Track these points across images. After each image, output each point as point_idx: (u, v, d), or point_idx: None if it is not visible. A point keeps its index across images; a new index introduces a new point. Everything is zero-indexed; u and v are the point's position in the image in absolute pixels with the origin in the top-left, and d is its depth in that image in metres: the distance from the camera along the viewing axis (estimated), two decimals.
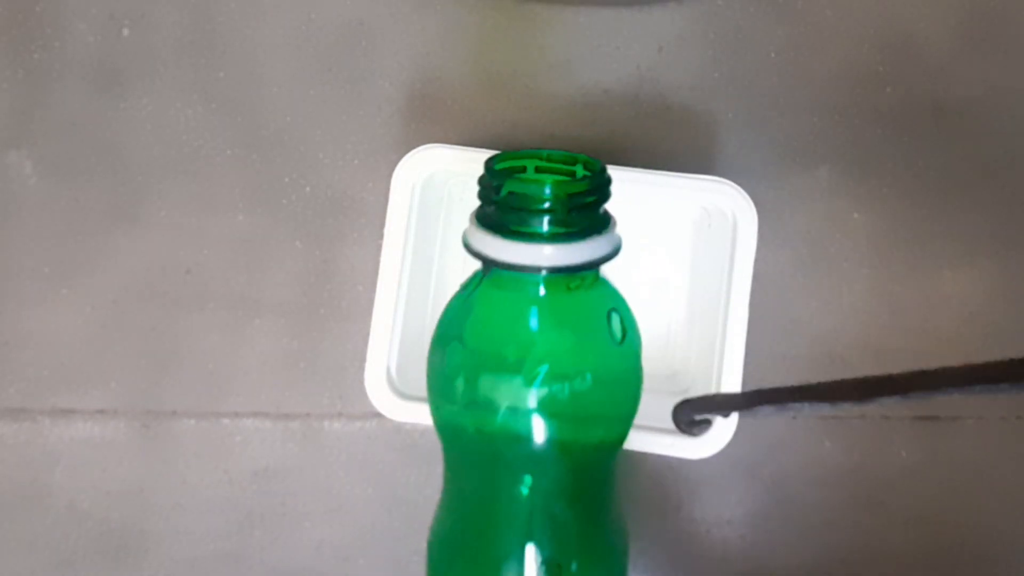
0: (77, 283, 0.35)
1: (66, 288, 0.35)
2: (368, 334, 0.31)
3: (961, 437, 0.36)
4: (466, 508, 0.26)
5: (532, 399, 0.22)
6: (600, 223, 0.23)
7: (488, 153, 0.31)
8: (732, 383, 0.31)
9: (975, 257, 0.36)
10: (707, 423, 0.22)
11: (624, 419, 0.25)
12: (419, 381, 0.32)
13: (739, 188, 0.32)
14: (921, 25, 0.36)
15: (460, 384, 0.24)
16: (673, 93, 0.36)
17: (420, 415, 0.31)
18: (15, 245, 0.35)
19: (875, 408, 0.35)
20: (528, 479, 0.24)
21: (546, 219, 0.22)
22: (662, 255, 0.34)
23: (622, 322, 0.23)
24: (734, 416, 0.31)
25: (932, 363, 0.37)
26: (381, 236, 0.31)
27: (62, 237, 0.35)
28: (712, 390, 0.31)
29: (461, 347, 0.24)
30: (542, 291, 0.22)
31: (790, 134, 0.36)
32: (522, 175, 0.24)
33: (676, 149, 0.36)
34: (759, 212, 0.32)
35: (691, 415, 0.21)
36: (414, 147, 0.31)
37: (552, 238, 0.22)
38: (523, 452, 0.23)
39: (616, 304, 0.24)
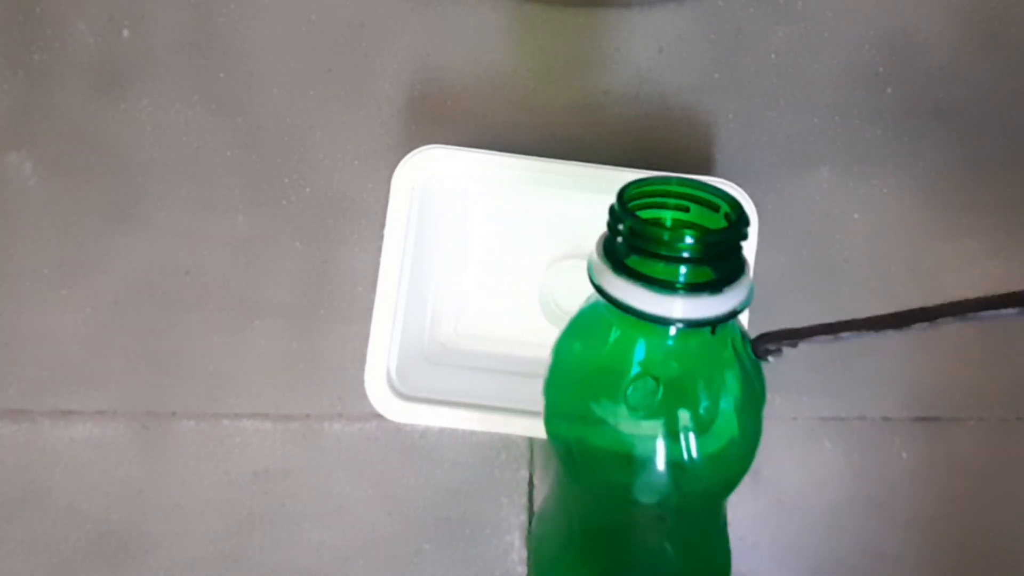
0: (77, 284, 0.35)
1: (66, 289, 0.35)
2: (368, 335, 0.31)
3: (961, 438, 0.35)
4: (572, 520, 0.26)
5: (637, 432, 0.22)
6: (737, 271, 0.21)
7: (488, 154, 0.31)
8: None
9: (976, 258, 0.36)
10: (779, 351, 0.22)
11: (723, 476, 0.24)
12: (418, 382, 0.32)
13: (739, 189, 0.32)
14: (921, 26, 0.36)
15: (573, 401, 0.23)
16: (673, 94, 0.36)
17: (419, 416, 0.31)
18: (15, 246, 0.35)
19: (875, 409, 0.35)
20: (634, 506, 0.23)
21: (682, 269, 0.20)
22: None
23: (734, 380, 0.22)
24: None
25: (932, 364, 0.37)
26: (381, 237, 0.31)
27: (62, 238, 0.35)
28: None
29: (580, 367, 0.23)
30: (666, 338, 0.21)
31: (790, 135, 0.36)
32: (658, 210, 0.23)
33: (676, 150, 0.36)
34: (759, 213, 0.32)
35: (766, 345, 0.21)
36: (414, 148, 0.31)
37: (687, 290, 0.20)
38: (630, 480, 0.23)
39: (726, 361, 0.22)
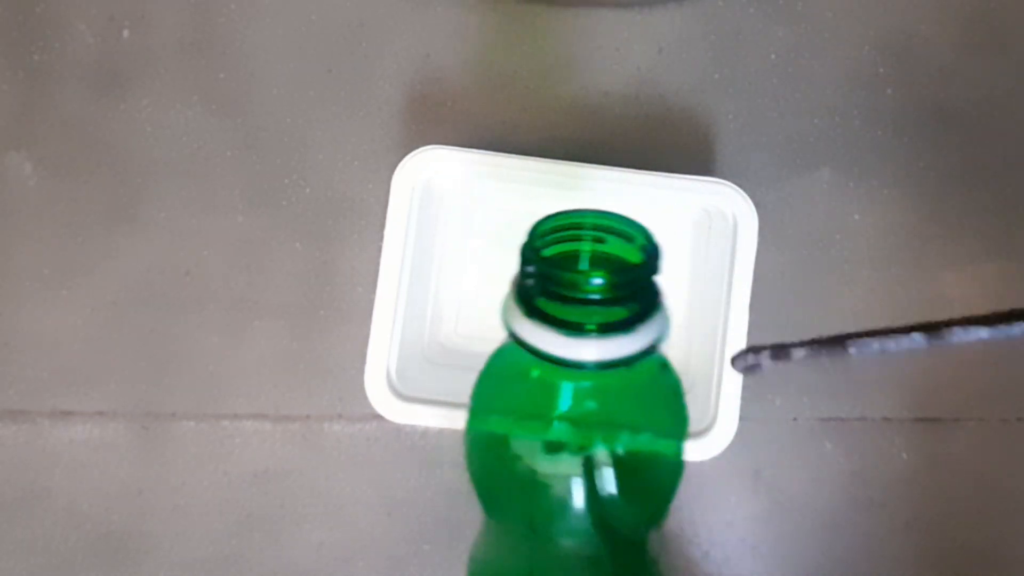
0: (77, 284, 0.35)
1: (66, 289, 0.35)
2: (368, 336, 0.31)
3: (962, 439, 0.35)
4: (497, 550, 0.25)
5: (558, 471, 0.21)
6: (651, 306, 0.21)
7: (488, 155, 0.32)
8: (732, 384, 0.31)
9: (976, 258, 0.36)
10: (758, 366, 0.21)
11: (650, 507, 0.23)
12: (418, 383, 0.32)
13: (739, 189, 0.32)
14: (922, 27, 0.36)
15: (491, 439, 0.23)
16: (673, 95, 0.36)
17: (420, 417, 0.31)
18: (15, 246, 0.35)
19: (876, 410, 0.35)
20: (556, 546, 0.23)
21: (594, 310, 0.20)
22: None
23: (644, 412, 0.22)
24: (735, 418, 0.31)
25: (932, 365, 0.37)
26: (381, 237, 0.31)
27: (62, 238, 0.35)
28: (712, 391, 0.31)
29: (492, 404, 0.23)
30: (584, 377, 0.21)
31: (790, 136, 0.36)
32: (575, 243, 0.22)
33: (676, 150, 0.36)
34: (759, 213, 0.31)
35: (744, 361, 0.21)
36: (414, 148, 0.31)
37: (600, 331, 0.20)
38: (545, 516, 0.22)
39: (644, 392, 0.22)
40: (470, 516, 0.35)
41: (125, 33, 0.35)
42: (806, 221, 0.36)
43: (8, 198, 0.35)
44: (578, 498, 0.21)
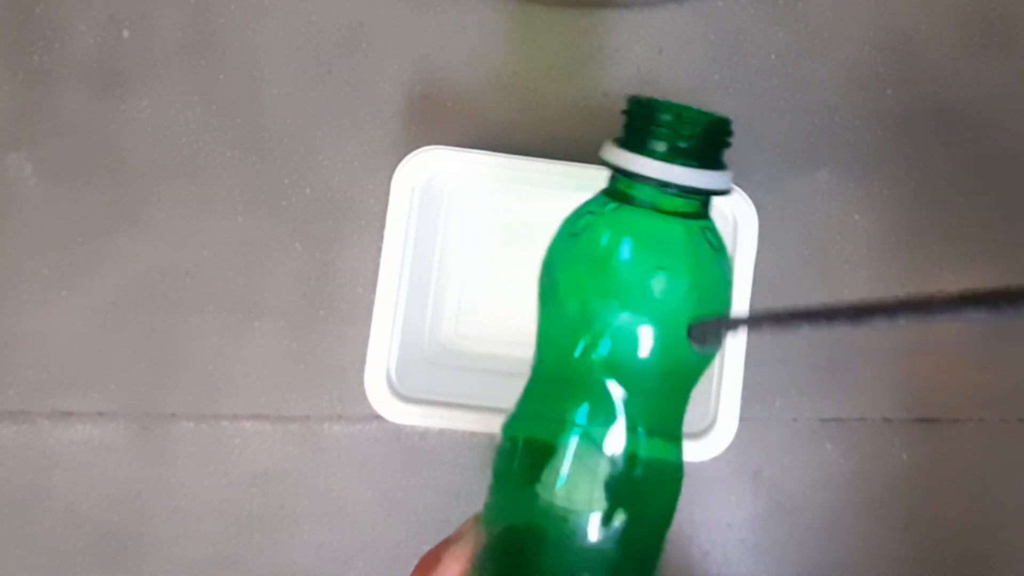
0: (77, 285, 0.35)
1: (66, 290, 0.35)
2: (368, 336, 0.31)
3: (962, 439, 0.35)
4: (534, 414, 0.27)
5: (617, 318, 0.24)
6: (723, 164, 0.26)
7: (488, 155, 0.32)
8: (732, 384, 0.31)
9: (975, 259, 0.36)
10: (718, 340, 0.24)
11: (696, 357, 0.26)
12: (418, 383, 0.32)
13: (739, 190, 0.32)
14: (922, 27, 0.36)
15: (556, 287, 0.26)
16: (673, 95, 0.36)
17: (420, 417, 0.31)
18: (15, 247, 0.35)
19: (876, 410, 0.35)
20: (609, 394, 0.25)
21: (681, 144, 0.25)
22: None
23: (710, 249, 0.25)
24: (735, 419, 0.31)
25: (932, 365, 0.37)
26: (381, 238, 0.31)
27: (62, 239, 0.35)
28: (712, 391, 0.31)
29: (569, 255, 0.26)
30: (664, 214, 0.25)
31: (790, 136, 0.36)
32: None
33: None
34: (759, 214, 0.31)
35: (703, 333, 0.24)
36: (414, 149, 0.31)
37: (684, 162, 0.24)
38: (602, 366, 0.24)
39: (704, 243, 0.26)
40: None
41: (125, 33, 0.35)
42: (806, 221, 0.36)
43: (8, 198, 0.35)
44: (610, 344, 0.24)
